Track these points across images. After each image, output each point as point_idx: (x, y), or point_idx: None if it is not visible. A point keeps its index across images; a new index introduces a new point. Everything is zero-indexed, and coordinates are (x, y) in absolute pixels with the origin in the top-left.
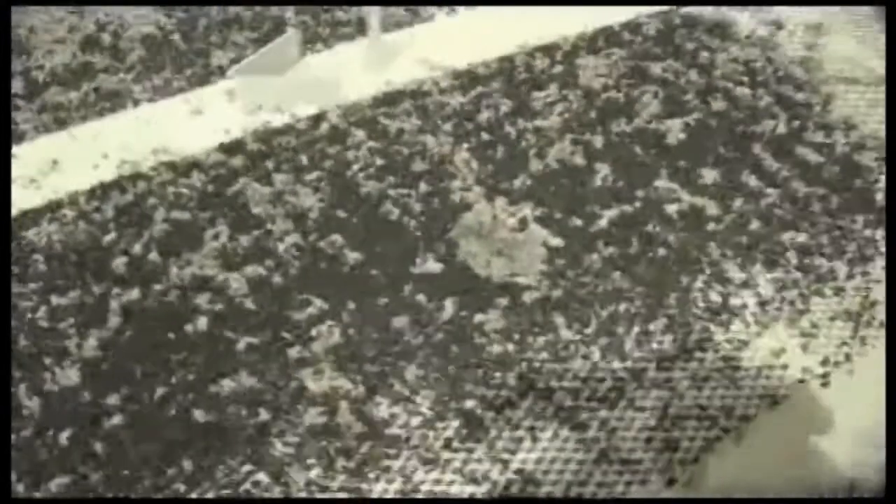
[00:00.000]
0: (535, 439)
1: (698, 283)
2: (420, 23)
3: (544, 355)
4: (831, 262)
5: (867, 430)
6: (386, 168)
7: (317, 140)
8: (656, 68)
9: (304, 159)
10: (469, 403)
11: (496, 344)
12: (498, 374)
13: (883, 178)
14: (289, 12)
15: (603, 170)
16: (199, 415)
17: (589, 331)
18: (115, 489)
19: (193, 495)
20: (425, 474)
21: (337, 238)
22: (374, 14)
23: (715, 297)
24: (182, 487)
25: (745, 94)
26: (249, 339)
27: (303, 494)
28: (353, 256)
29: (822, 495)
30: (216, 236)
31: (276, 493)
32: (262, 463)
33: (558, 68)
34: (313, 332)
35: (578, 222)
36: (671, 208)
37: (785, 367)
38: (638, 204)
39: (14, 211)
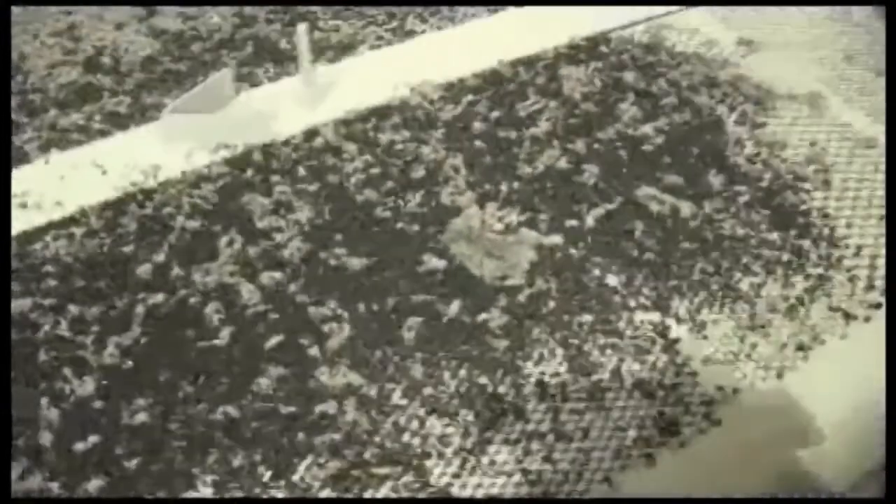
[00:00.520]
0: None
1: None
2: (401, 41)
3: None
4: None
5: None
6: (380, 177)
7: (312, 153)
8: (630, 77)
9: (301, 171)
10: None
11: (500, 339)
12: (503, 371)
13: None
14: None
15: (589, 172)
16: (227, 411)
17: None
18: (148, 489)
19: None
20: (439, 474)
21: (339, 244)
22: (303, 49)
23: None
24: (210, 484)
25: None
26: (272, 341)
27: (326, 492)
28: (356, 262)
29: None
30: (230, 244)
31: (300, 491)
32: (287, 458)
33: (541, 79)
34: (325, 329)
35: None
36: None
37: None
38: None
39: (24, 228)
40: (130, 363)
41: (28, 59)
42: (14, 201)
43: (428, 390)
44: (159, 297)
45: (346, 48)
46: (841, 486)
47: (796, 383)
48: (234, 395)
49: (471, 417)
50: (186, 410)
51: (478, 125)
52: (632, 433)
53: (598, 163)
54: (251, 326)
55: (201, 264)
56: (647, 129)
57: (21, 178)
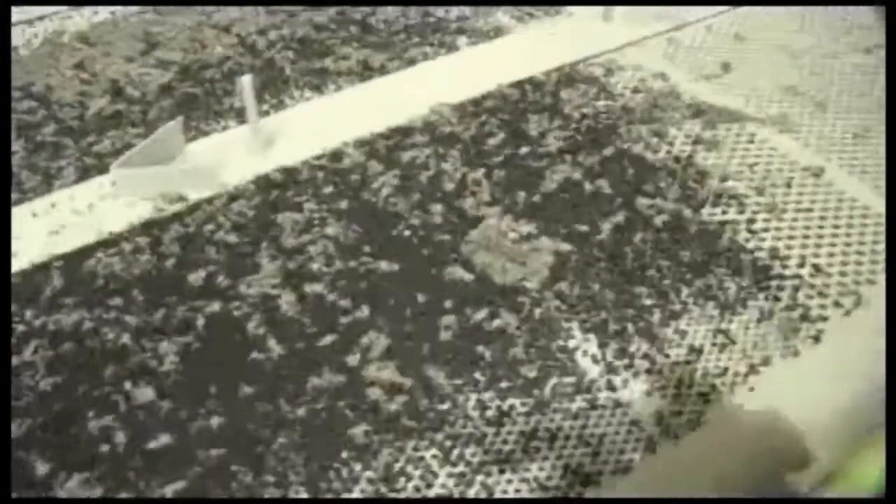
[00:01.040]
0: None
1: None
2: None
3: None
4: None
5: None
6: (405, 191)
7: (339, 172)
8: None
9: (329, 189)
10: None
11: (521, 341)
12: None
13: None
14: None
15: (598, 185)
16: (287, 411)
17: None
18: (218, 489)
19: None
20: (478, 473)
21: (371, 255)
22: (248, 99)
23: None
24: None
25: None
26: (318, 343)
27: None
28: (387, 268)
29: None
30: (272, 258)
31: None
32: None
33: (547, 100)
34: (364, 341)
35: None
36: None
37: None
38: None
39: (76, 245)
40: (189, 369)
41: (54, 90)
42: (59, 220)
43: None
44: (215, 307)
45: (359, 73)
46: None
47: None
48: (289, 395)
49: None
50: (248, 410)
51: (492, 142)
52: None
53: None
54: (297, 334)
55: (245, 276)
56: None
57: (63, 198)
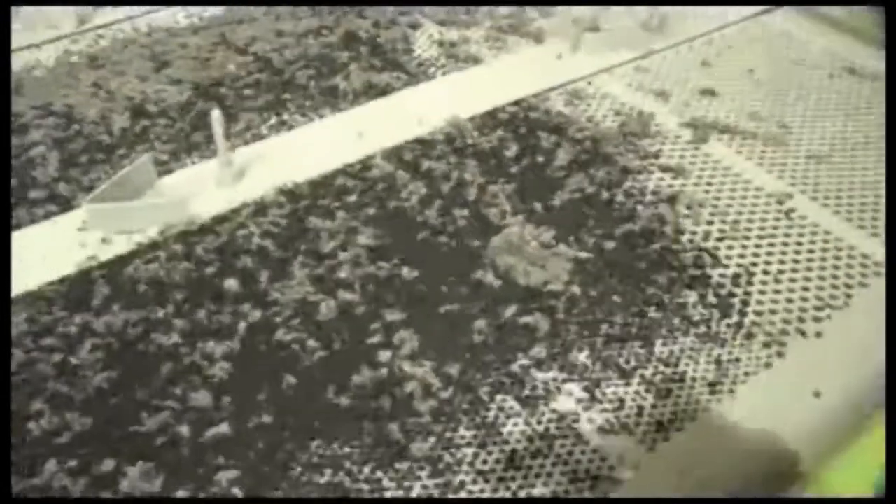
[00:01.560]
0: None
1: None
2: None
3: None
4: None
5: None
6: (430, 199)
7: (367, 181)
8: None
9: (355, 197)
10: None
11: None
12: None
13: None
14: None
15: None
16: (339, 401)
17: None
18: (269, 482)
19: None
20: (505, 471)
21: (399, 262)
22: (218, 133)
23: None
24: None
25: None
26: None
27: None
28: (412, 274)
29: None
30: (304, 266)
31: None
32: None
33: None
34: (395, 340)
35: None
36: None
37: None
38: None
39: (114, 253)
40: (237, 370)
41: (75, 108)
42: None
43: None
44: (256, 314)
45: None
46: None
47: None
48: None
49: None
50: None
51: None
52: None
53: None
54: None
55: (279, 282)
56: None
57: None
